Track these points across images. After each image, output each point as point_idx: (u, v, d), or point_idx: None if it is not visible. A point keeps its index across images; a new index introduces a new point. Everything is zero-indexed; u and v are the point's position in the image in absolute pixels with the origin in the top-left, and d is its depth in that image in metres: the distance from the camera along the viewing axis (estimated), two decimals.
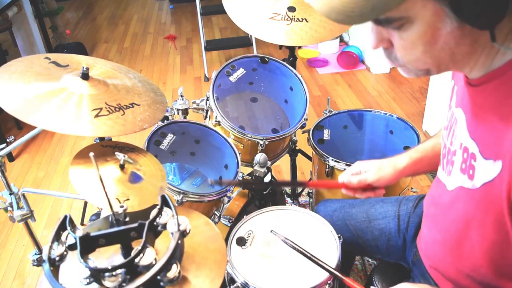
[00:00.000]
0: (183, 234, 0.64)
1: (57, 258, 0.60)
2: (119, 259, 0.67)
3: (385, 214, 1.16)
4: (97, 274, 0.59)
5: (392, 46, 0.67)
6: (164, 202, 0.67)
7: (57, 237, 0.62)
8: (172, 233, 0.62)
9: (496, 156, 0.67)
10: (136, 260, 0.60)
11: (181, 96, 1.63)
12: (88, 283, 0.59)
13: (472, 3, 0.55)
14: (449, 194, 0.83)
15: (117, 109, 1.06)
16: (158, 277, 0.58)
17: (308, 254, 1.00)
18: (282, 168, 2.49)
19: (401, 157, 1.08)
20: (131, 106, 1.10)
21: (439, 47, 0.63)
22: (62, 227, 0.63)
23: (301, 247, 1.02)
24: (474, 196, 0.74)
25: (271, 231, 1.10)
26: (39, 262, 1.47)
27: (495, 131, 0.67)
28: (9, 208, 1.32)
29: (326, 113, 1.68)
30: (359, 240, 1.17)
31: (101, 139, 1.39)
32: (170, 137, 1.47)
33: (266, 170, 1.43)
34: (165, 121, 1.48)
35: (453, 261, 0.86)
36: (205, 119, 1.66)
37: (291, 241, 1.04)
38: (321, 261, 0.98)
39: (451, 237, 0.85)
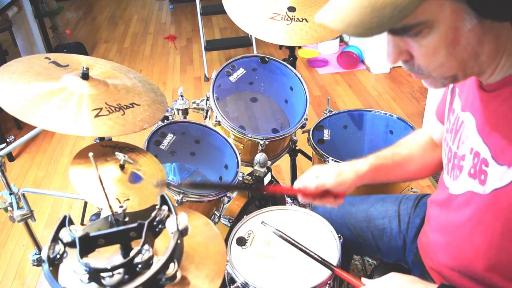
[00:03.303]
0: (182, 233, 0.64)
1: (56, 258, 0.60)
2: (119, 259, 0.67)
3: (385, 213, 1.16)
4: (96, 274, 0.59)
5: (412, 57, 0.65)
6: (164, 202, 0.66)
7: (56, 237, 0.62)
8: (171, 233, 0.62)
9: (510, 162, 0.66)
10: (136, 260, 0.60)
11: (181, 96, 1.63)
12: (87, 283, 0.59)
13: None
14: (456, 198, 0.82)
15: (117, 109, 1.06)
16: (158, 277, 0.58)
17: (299, 245, 1.00)
18: (282, 168, 2.49)
19: (362, 162, 1.00)
20: (131, 106, 1.10)
21: (462, 48, 0.61)
22: (61, 227, 0.63)
23: (292, 238, 1.02)
24: (484, 202, 0.73)
25: (261, 222, 1.09)
26: (39, 262, 1.47)
27: (510, 137, 0.66)
28: (9, 208, 1.32)
29: (326, 113, 1.68)
30: (359, 239, 1.17)
31: (101, 139, 1.39)
32: (170, 137, 1.47)
33: (266, 170, 1.43)
34: (165, 121, 1.48)
35: (456, 264, 0.85)
36: (205, 119, 1.66)
37: (282, 232, 1.04)
38: (311, 251, 0.98)
39: (455, 241, 0.84)
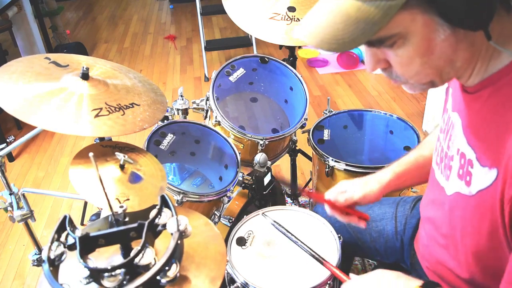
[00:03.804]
0: (182, 234, 0.64)
1: (56, 258, 0.60)
2: (119, 259, 0.67)
3: (382, 216, 1.16)
4: (96, 274, 0.59)
5: (390, 65, 0.67)
6: (164, 202, 0.67)
7: (56, 237, 0.62)
8: (172, 233, 0.62)
9: (491, 163, 0.67)
10: (136, 260, 0.60)
11: (181, 96, 1.63)
12: (87, 283, 0.59)
13: (460, 8, 0.54)
14: (448, 199, 0.83)
15: (117, 109, 1.06)
16: (158, 277, 0.58)
17: (294, 237, 1.04)
18: (282, 168, 2.49)
19: (385, 171, 1.05)
20: (131, 106, 1.10)
21: (437, 57, 0.62)
22: (61, 227, 0.63)
23: (291, 232, 1.05)
24: (470, 203, 0.74)
25: (262, 213, 1.12)
26: (39, 262, 1.47)
27: (490, 139, 0.67)
28: (9, 208, 1.32)
29: (326, 113, 1.68)
30: (358, 242, 1.17)
31: (101, 139, 1.39)
32: (170, 137, 1.47)
33: (266, 170, 1.43)
34: (165, 121, 1.48)
35: (451, 266, 0.86)
36: (205, 119, 1.66)
37: (279, 224, 1.07)
38: (305, 244, 1.02)
39: (449, 242, 0.85)
